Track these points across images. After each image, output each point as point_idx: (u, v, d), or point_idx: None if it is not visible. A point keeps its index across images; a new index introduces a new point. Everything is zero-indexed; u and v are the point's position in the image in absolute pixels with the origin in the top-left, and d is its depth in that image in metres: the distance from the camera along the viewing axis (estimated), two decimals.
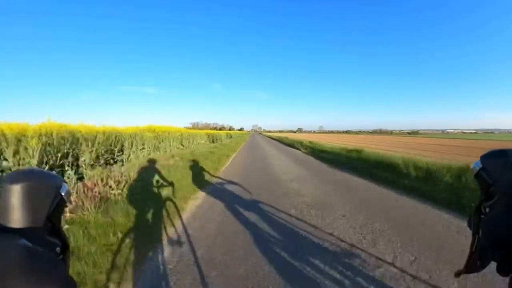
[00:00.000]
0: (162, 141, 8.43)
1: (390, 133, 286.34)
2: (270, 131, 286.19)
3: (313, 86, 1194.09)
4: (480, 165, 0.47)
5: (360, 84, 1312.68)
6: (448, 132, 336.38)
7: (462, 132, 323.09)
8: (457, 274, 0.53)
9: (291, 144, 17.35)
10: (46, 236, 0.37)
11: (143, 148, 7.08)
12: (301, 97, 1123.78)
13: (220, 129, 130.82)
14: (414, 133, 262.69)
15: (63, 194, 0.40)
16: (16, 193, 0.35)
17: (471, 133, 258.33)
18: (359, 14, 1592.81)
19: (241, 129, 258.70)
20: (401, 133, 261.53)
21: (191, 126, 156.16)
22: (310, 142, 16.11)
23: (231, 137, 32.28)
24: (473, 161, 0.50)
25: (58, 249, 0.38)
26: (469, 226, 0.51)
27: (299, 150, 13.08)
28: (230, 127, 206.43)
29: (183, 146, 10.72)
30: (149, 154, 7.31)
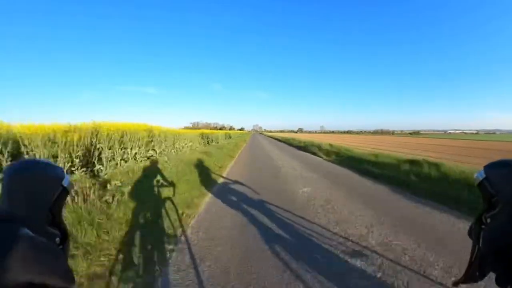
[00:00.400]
0: (108, 148, 4.98)
1: (391, 133, 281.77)
2: (270, 131, 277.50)
3: (313, 86, 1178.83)
4: (484, 175, 0.46)
5: (360, 84, 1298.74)
6: (449, 132, 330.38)
7: (463, 132, 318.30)
8: (455, 284, 0.52)
9: (304, 147, 13.72)
10: (47, 227, 0.37)
11: None
12: (302, 97, 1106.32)
13: (220, 129, 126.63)
14: (415, 133, 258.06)
15: (65, 185, 0.40)
16: (18, 183, 0.35)
17: (472, 133, 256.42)
18: (360, 14, 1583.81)
19: (241, 129, 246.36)
20: (402, 134, 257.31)
21: (191, 126, 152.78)
22: (330, 145, 12.58)
23: (230, 137, 28.61)
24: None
25: (57, 239, 0.38)
26: (470, 235, 0.50)
27: (321, 157, 9.57)
28: (231, 127, 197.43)
29: (156, 152, 7.27)
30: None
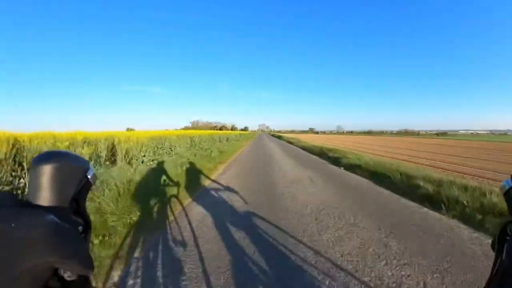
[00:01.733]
0: None
1: (417, 134, 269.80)
2: (280, 131, 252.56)
3: (328, 82, 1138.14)
4: (511, 184, 0.46)
5: (382, 81, 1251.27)
6: (477, 133, 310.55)
7: (491, 133, 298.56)
8: None
9: None
10: (71, 215, 0.41)
11: None
12: (315, 94, 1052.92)
13: (220, 129, 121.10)
14: (442, 134, 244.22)
15: (89, 177, 0.43)
16: (45, 173, 0.38)
17: (500, 134, 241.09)
18: (380, 14, 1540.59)
19: (245, 129, 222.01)
20: (428, 134, 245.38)
21: (190, 125, 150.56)
22: None
23: (219, 141, 26.04)
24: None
25: (80, 228, 0.42)
26: (493, 247, 0.51)
27: None
28: (232, 126, 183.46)
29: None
30: None
